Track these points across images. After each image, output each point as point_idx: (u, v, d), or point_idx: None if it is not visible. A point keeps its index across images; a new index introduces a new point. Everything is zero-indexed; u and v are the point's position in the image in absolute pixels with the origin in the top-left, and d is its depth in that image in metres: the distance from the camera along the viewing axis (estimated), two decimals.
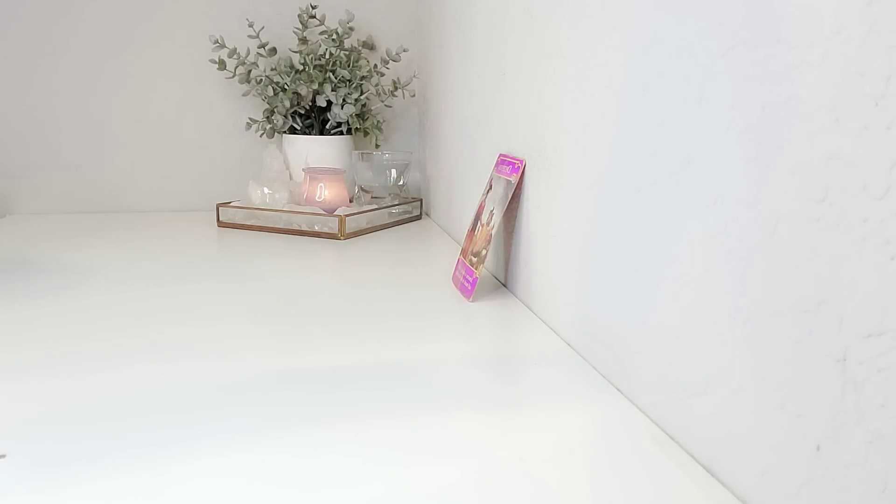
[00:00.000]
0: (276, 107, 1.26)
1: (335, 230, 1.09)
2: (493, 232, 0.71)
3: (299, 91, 1.23)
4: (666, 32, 0.43)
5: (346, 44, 1.30)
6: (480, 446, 0.41)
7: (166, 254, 0.95)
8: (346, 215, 1.09)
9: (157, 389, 0.49)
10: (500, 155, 0.78)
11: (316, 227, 1.11)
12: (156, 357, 0.56)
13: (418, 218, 1.31)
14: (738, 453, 0.36)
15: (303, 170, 1.19)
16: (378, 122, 1.31)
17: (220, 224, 1.18)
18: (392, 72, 1.35)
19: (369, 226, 1.16)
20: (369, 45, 1.34)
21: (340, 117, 1.25)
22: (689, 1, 0.40)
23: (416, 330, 0.63)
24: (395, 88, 1.32)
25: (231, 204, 1.18)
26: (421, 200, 1.33)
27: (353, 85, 1.26)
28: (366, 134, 1.31)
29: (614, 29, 0.50)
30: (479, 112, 0.91)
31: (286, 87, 1.25)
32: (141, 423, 0.44)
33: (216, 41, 1.24)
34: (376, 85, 1.30)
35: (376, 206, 1.19)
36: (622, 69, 0.49)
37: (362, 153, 1.25)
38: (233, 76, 1.29)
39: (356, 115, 1.27)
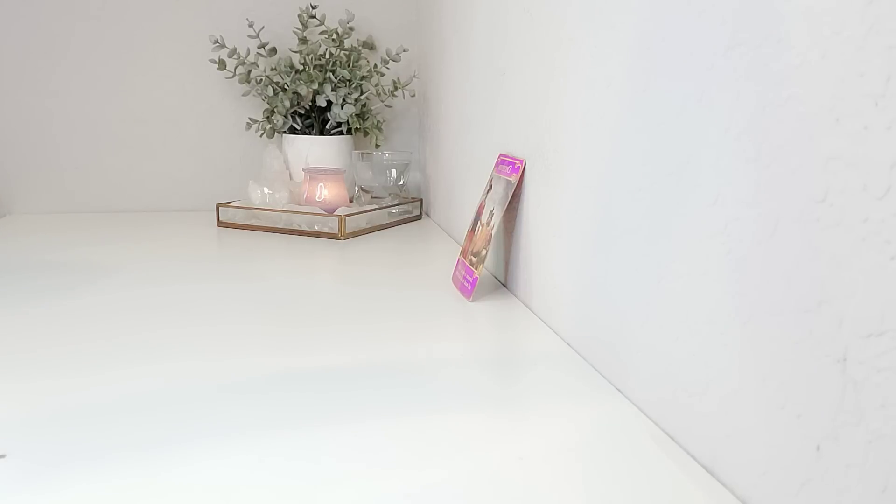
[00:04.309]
0: (276, 107, 1.26)
1: (335, 230, 1.09)
2: (493, 232, 0.71)
3: (299, 91, 1.23)
4: (666, 32, 0.43)
5: (346, 44, 1.30)
6: (480, 446, 0.41)
7: (166, 254, 0.95)
8: (346, 215, 1.09)
9: (157, 389, 0.49)
10: (500, 155, 0.78)
11: (316, 227, 1.11)
12: (155, 357, 0.56)
13: (418, 218, 1.31)
14: (738, 453, 0.36)
15: (303, 170, 1.19)
16: (378, 122, 1.31)
17: (220, 224, 1.18)
18: (392, 72, 1.35)
19: (369, 226, 1.16)
20: (369, 45, 1.34)
21: (340, 117, 1.25)
22: (688, 1, 0.40)
23: (416, 330, 0.63)
24: (395, 88, 1.32)
25: (231, 204, 1.18)
26: (421, 200, 1.33)
27: (353, 85, 1.26)
28: (366, 134, 1.31)
29: (614, 29, 0.50)
30: (479, 112, 0.91)
31: (286, 87, 1.25)
32: (140, 424, 0.44)
33: (216, 41, 1.24)
34: (376, 85, 1.30)
35: (376, 206, 1.19)
36: (622, 69, 0.49)
37: (362, 153, 1.25)
38: (233, 76, 1.29)
39: (356, 115, 1.27)
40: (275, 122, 1.27)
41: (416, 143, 1.44)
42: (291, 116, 1.27)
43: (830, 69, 0.29)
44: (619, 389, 0.50)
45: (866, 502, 0.28)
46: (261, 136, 1.32)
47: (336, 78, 1.25)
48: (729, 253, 0.37)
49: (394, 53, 1.28)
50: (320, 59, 1.26)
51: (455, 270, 0.81)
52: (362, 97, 1.27)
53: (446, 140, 1.14)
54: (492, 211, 0.73)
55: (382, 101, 1.35)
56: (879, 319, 0.27)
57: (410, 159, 1.31)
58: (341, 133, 1.29)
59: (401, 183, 1.27)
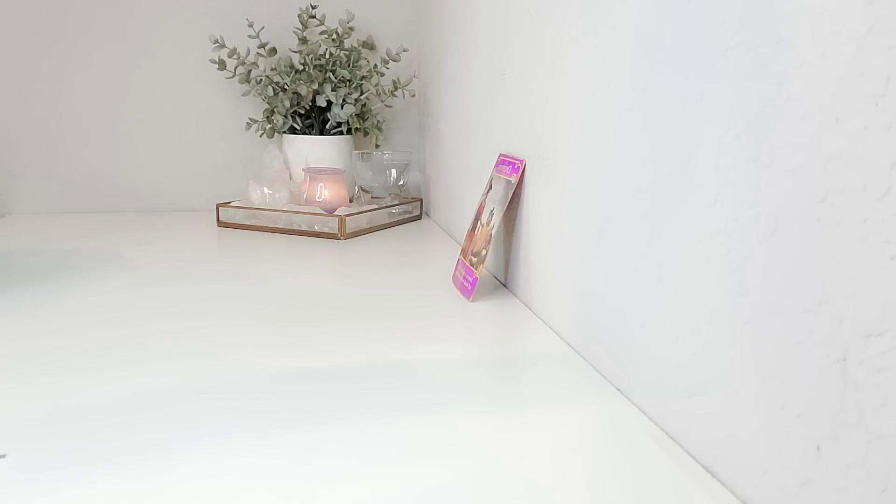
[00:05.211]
0: (276, 107, 1.26)
1: (335, 230, 1.09)
2: (493, 232, 0.71)
3: (299, 91, 1.23)
4: (666, 32, 0.43)
5: (346, 44, 1.30)
6: (480, 446, 0.41)
7: (166, 254, 0.95)
8: (346, 215, 1.09)
9: (157, 390, 0.49)
10: (500, 155, 0.78)
11: (316, 227, 1.11)
12: (156, 357, 0.56)
13: (418, 218, 1.31)
14: (738, 453, 0.36)
15: (303, 170, 1.19)
16: (378, 122, 1.31)
17: (220, 224, 1.18)
18: (392, 72, 1.35)
19: (369, 226, 1.16)
20: (369, 45, 1.34)
21: (340, 117, 1.25)
22: (689, 1, 0.40)
23: (416, 330, 0.63)
24: (395, 88, 1.32)
25: (231, 204, 1.18)
26: (421, 200, 1.33)
27: (353, 85, 1.26)
28: (366, 134, 1.31)
29: (614, 29, 0.50)
30: (479, 112, 0.91)
31: (286, 87, 1.25)
32: (140, 424, 0.44)
33: (216, 41, 1.24)
34: (376, 85, 1.30)
35: (376, 206, 1.19)
36: (622, 69, 0.49)
37: (362, 153, 1.25)
38: (233, 76, 1.29)
39: (356, 115, 1.27)
40: (275, 122, 1.27)
41: (416, 143, 1.44)
42: (291, 116, 1.27)
43: (830, 69, 0.29)
44: (619, 389, 0.50)
45: (866, 502, 0.28)
46: (261, 136, 1.32)
47: (336, 78, 1.25)
48: (729, 253, 0.37)
49: (394, 53, 1.28)
50: (320, 59, 1.26)
51: (455, 270, 0.81)
52: (362, 97, 1.27)
53: (446, 140, 1.14)
54: (492, 211, 0.73)
55: (382, 101, 1.35)
56: (879, 319, 0.27)
57: (410, 159, 1.31)
58: (341, 133, 1.29)
59: (401, 183, 1.27)
